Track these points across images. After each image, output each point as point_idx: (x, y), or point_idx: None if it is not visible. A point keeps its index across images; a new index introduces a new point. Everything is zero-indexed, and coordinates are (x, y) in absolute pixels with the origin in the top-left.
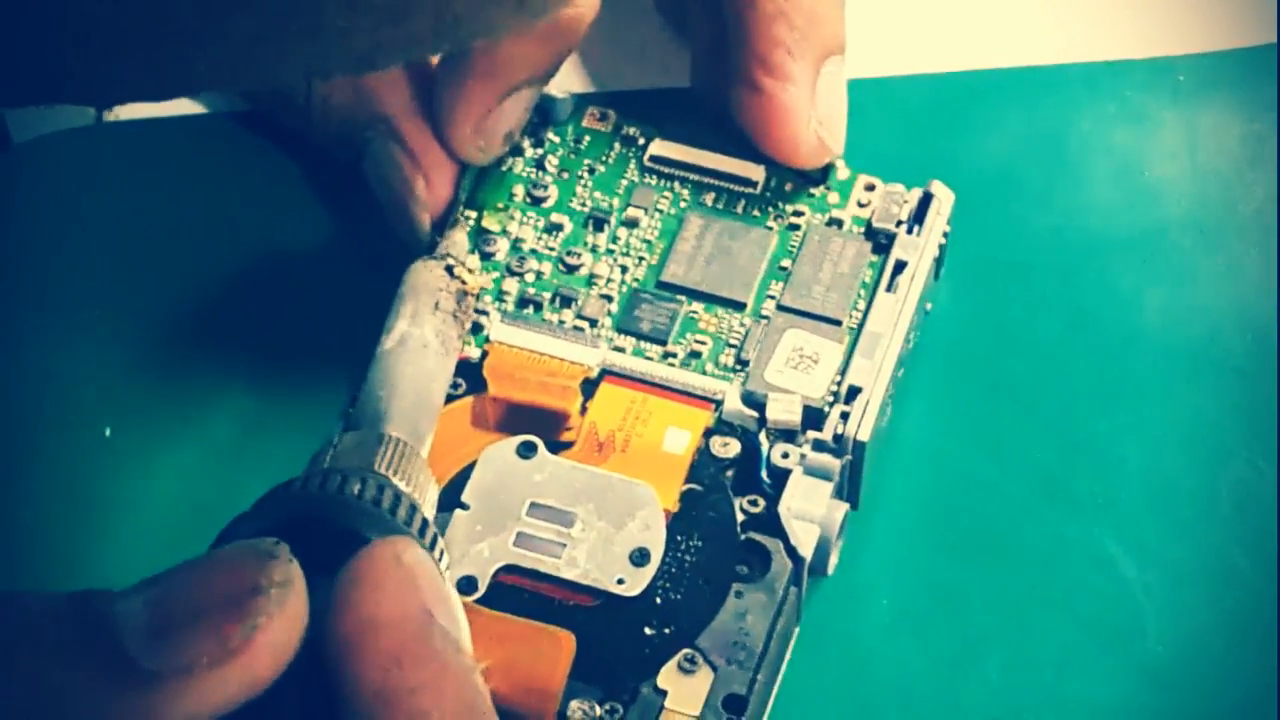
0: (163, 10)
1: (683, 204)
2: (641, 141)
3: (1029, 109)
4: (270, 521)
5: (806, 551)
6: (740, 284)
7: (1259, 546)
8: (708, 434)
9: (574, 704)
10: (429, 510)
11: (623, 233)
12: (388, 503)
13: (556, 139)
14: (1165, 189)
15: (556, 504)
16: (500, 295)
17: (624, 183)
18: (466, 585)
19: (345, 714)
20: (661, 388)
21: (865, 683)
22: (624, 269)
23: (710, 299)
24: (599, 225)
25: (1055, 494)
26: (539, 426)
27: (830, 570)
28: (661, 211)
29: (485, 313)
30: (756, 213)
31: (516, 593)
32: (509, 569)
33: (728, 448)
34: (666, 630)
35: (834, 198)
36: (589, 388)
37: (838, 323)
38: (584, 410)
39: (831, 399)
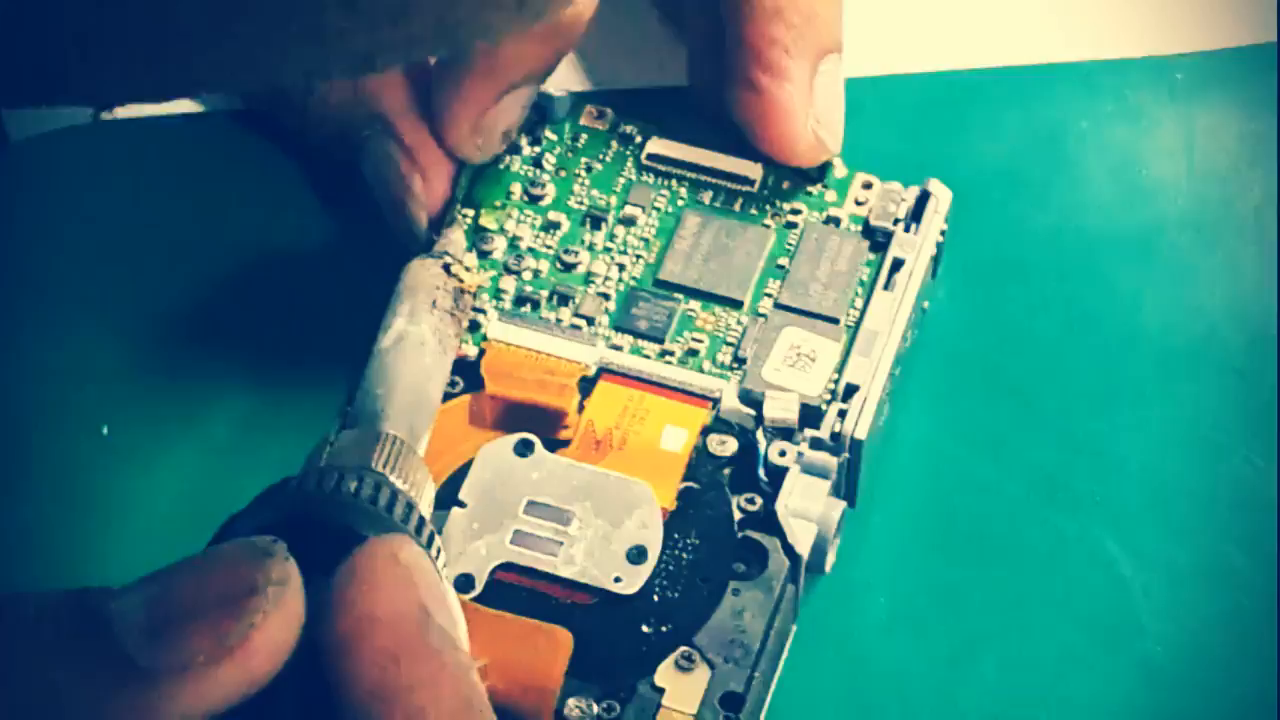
0: (163, 11)
1: (680, 202)
2: (639, 140)
3: (1027, 108)
4: (267, 519)
5: (804, 549)
6: (737, 282)
7: (1257, 545)
8: (705, 432)
9: (571, 702)
10: (426, 508)
11: (620, 231)
12: (385, 501)
13: (554, 137)
14: (1163, 188)
15: (554, 502)
16: (498, 293)
17: (621, 181)
18: (464, 583)
19: (342, 711)
20: (659, 386)
21: (862, 681)
22: (621, 267)
23: (708, 297)
24: (596, 223)
25: (1053, 492)
26: (536, 424)
27: (828, 568)
28: (659, 210)
29: (482, 311)
30: (754, 211)
31: (514, 591)
32: (506, 567)
33: (725, 446)
34: (664, 628)
35: (831, 196)
36: (586, 386)
37: (835, 321)
38: (581, 408)
39: (829, 397)
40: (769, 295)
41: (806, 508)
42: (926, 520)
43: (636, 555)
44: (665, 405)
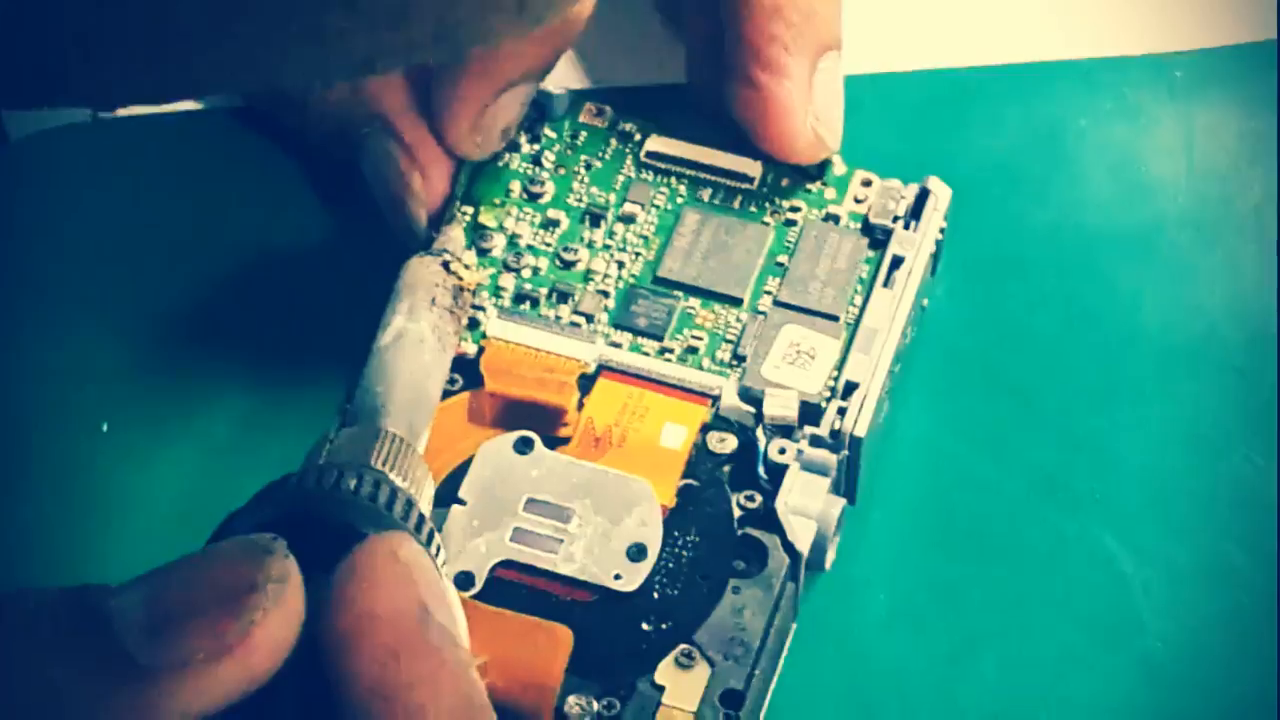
0: (163, 12)
1: (679, 199)
2: (638, 137)
3: (1026, 105)
4: (267, 517)
5: (803, 547)
6: (737, 280)
7: (1257, 543)
8: (705, 429)
9: (571, 699)
10: (425, 506)
11: (619, 228)
12: (384, 498)
13: (553, 135)
14: (1163, 186)
15: (553, 499)
16: (497, 291)
17: (621, 178)
18: (463, 580)
19: (342, 709)
20: (658, 383)
21: (862, 678)
22: (621, 265)
23: (707, 294)
24: (595, 221)
25: (1053, 490)
26: (536, 422)
27: (827, 566)
28: (658, 207)
29: (482, 308)
30: (753, 208)
31: (514, 588)
32: (506, 564)
33: (725, 443)
34: (664, 625)
35: (831, 193)
36: (586, 383)
37: (835, 318)
38: (581, 406)
39: (828, 394)
40: (768, 293)
41: (806, 505)
42: (926, 518)
43: (636, 553)
44: (665, 403)
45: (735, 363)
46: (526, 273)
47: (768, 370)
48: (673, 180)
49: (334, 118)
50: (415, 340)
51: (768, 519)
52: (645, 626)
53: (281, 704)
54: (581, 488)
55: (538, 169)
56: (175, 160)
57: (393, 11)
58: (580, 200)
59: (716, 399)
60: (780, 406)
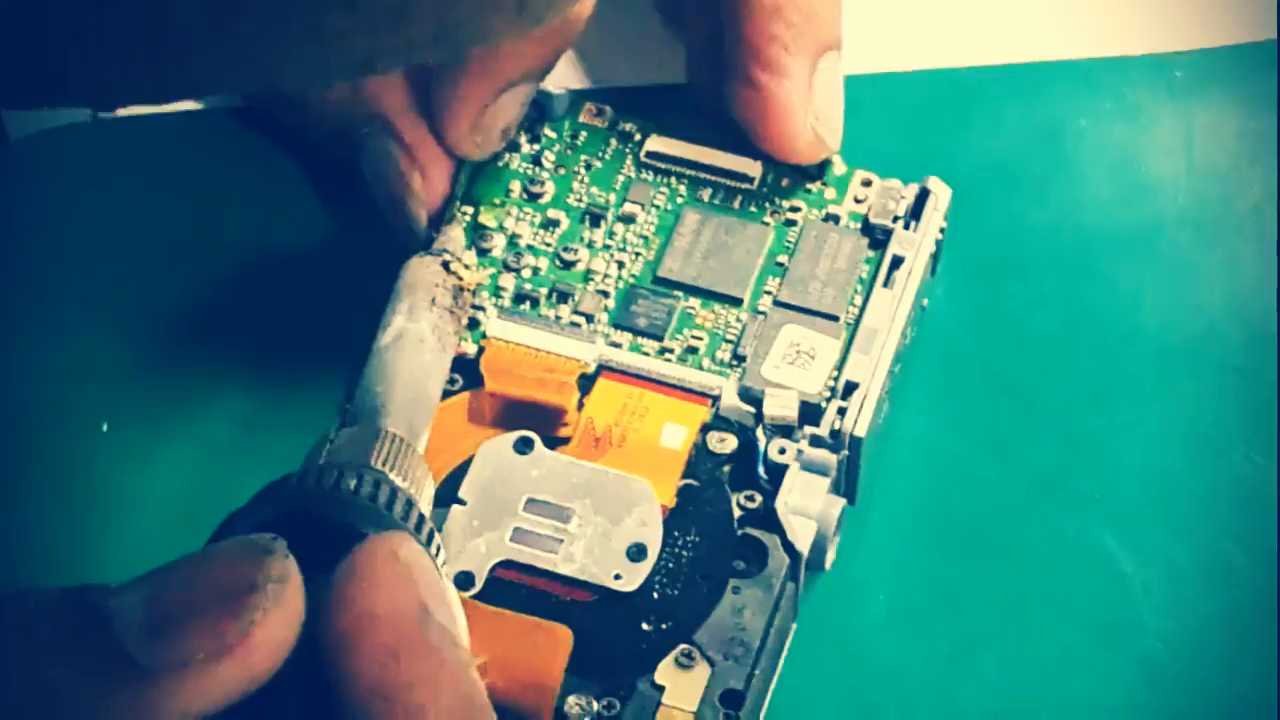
0: (163, 13)
1: (679, 200)
2: (638, 137)
3: (1026, 105)
4: (267, 517)
5: (803, 547)
6: (737, 280)
7: (1257, 543)
8: (705, 429)
9: (571, 699)
10: (425, 506)
11: (619, 228)
12: (384, 498)
13: (553, 135)
14: (1162, 185)
15: (553, 499)
16: (497, 291)
17: (621, 178)
18: (463, 580)
19: (342, 709)
20: (658, 383)
21: (862, 678)
22: (621, 265)
23: (707, 294)
24: (596, 221)
25: (1053, 490)
26: (536, 422)
27: (827, 566)
28: (658, 207)
29: (482, 308)
30: (753, 208)
31: (514, 588)
32: (506, 564)
33: (725, 443)
34: (664, 625)
35: (831, 193)
36: (586, 383)
37: (835, 318)
38: (581, 406)
39: (829, 394)
40: (768, 293)
41: (806, 505)
42: (926, 518)
43: (636, 553)
44: (665, 403)
45: (735, 363)
46: (526, 273)
47: (768, 370)
48: (673, 180)
49: (334, 117)
50: (415, 340)
51: (768, 519)
52: (645, 626)
53: (281, 704)
54: (581, 488)
55: (538, 169)
56: (175, 160)
57: (393, 12)
58: (580, 200)
59: (716, 399)
60: (780, 406)
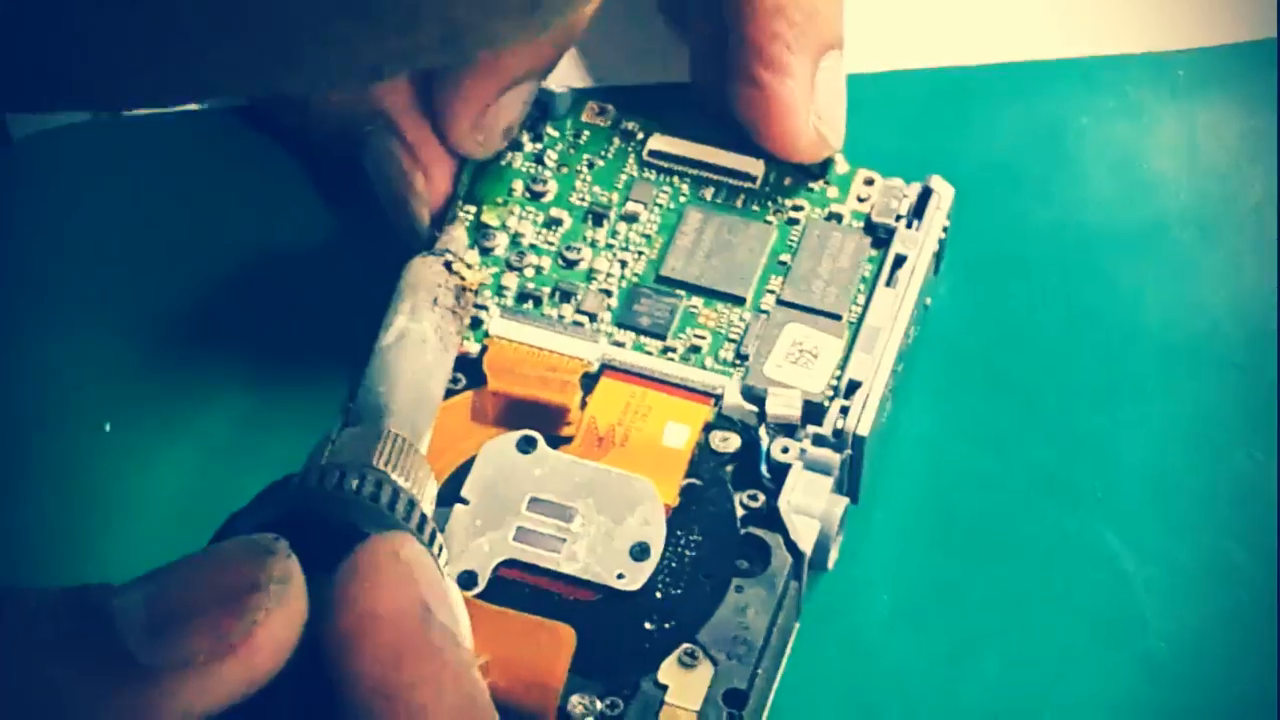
0: (169, 17)
1: (682, 199)
2: (641, 136)
3: (1028, 104)
4: (269, 517)
5: (806, 546)
6: (739, 279)
7: (1258, 541)
8: (707, 429)
9: (574, 699)
10: (428, 506)
11: (622, 227)
12: (386, 498)
13: (555, 134)
14: (1164, 184)
15: (556, 499)
16: (499, 290)
17: (623, 177)
18: (466, 580)
19: (344, 709)
20: (661, 382)
21: (865, 677)
22: (623, 264)
23: (710, 294)
24: (598, 220)
25: (1055, 488)
26: (538, 421)
27: (830, 565)
28: (661, 206)
29: (484, 308)
30: (756, 207)
31: (516, 588)
32: (509, 564)
33: (727, 442)
34: (667, 625)
35: (833, 192)
36: (588, 382)
37: (837, 317)
38: (583, 405)
39: (831, 393)
40: (771, 292)
41: (809, 504)
42: (929, 516)
43: (639, 552)
44: (667, 402)
45: (738, 362)
46: (529, 272)
47: (770, 369)
48: (675, 179)
49: (336, 117)
50: (417, 340)
51: (771, 518)
52: (648, 626)
53: (283, 704)
54: (584, 487)
55: (540, 168)
56: (175, 160)
57: (400, 18)
58: (583, 199)
59: (719, 398)
60: (783, 405)
